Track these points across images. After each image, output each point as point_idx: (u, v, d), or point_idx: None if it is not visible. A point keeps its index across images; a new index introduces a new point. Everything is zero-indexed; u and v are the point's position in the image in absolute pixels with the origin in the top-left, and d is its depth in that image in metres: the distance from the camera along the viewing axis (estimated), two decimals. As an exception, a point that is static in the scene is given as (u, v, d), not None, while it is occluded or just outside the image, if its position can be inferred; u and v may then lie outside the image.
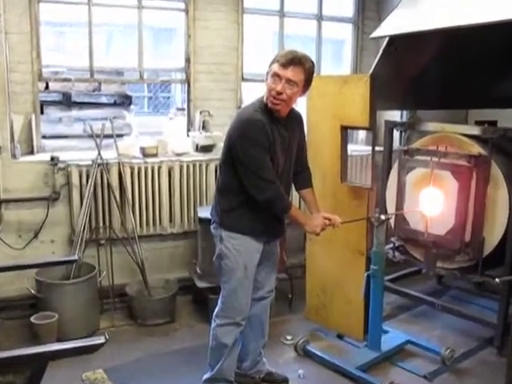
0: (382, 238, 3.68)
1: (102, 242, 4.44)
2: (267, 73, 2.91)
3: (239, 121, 2.91)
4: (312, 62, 2.92)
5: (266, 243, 3.14)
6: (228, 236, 3.03)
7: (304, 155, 3.27)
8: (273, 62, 2.88)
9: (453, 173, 3.96)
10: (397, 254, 4.46)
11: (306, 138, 3.37)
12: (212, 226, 3.15)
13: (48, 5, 4.56)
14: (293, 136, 3.07)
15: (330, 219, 3.08)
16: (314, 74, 2.97)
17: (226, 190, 3.02)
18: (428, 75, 4.33)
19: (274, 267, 3.34)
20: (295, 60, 2.82)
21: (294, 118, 3.11)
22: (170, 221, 4.77)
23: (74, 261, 3.55)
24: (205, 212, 3.94)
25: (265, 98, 2.93)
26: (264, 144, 2.82)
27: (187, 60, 5.00)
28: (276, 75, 2.83)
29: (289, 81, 2.82)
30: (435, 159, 4.08)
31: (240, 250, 3.02)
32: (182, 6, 4.95)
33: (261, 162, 2.82)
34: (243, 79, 5.19)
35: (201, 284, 4.34)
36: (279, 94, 2.83)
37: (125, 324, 4.33)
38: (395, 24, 3.83)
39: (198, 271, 4.45)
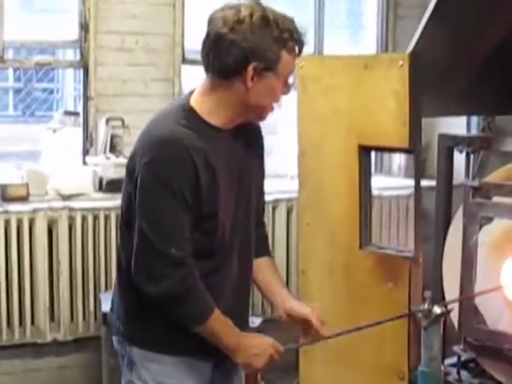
0: (437, 347, 3.61)
1: None
2: (254, 67, 2.81)
3: (145, 141, 2.80)
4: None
5: (217, 367, 3.02)
6: (144, 359, 2.91)
7: (261, 199, 3.18)
8: (279, 42, 2.79)
9: None
10: (465, 374, 4.41)
11: (298, 169, 3.33)
12: (114, 338, 3.04)
13: None
14: (250, 162, 2.99)
15: (305, 321, 2.98)
16: (312, 54, 2.94)
17: (127, 274, 2.90)
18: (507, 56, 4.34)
19: None
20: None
21: (250, 130, 3.03)
22: (52, 320, 4.70)
23: None
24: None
25: (197, 96, 2.85)
26: (180, 188, 2.69)
27: (83, 27, 4.97)
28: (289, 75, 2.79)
29: None
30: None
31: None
32: None
33: (166, 223, 2.70)
34: (184, 61, 5.20)
35: None
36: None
37: None
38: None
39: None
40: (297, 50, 2.65)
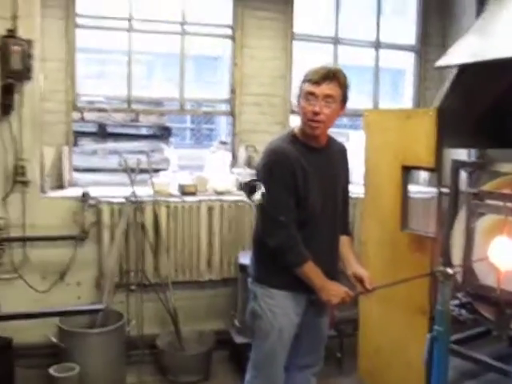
0: (448, 295, 3.39)
1: (133, 287, 4.31)
2: (298, 96, 2.76)
3: (263, 152, 2.81)
4: (346, 76, 2.76)
5: (311, 302, 2.88)
6: (263, 294, 2.81)
7: (346, 199, 3.03)
8: (303, 83, 2.73)
9: (532, 221, 3.67)
10: (463, 312, 4.15)
11: (364, 180, 3.18)
12: (248, 281, 2.96)
13: (85, 31, 4.55)
14: (336, 171, 2.87)
15: (362, 281, 2.82)
16: (373, 108, 2.80)
17: (257, 236, 2.83)
18: (502, 109, 4.08)
19: (323, 330, 3.07)
20: (329, 75, 2.67)
21: (338, 151, 2.92)
22: (208, 266, 4.63)
23: (100, 310, 3.41)
24: (246, 258, 3.76)
25: (297, 128, 2.81)
26: (284, 179, 2.63)
27: (232, 90, 4.92)
28: (310, 94, 2.67)
29: (326, 97, 2.66)
30: (510, 204, 3.80)
31: (275, 312, 2.78)
32: (229, 32, 4.89)
33: (277, 200, 2.63)
34: (292, 112, 5.05)
35: (239, 339, 4.16)
36: (316, 114, 2.66)
37: (154, 380, 4.17)
38: (467, 51, 3.63)
39: (237, 324, 4.27)
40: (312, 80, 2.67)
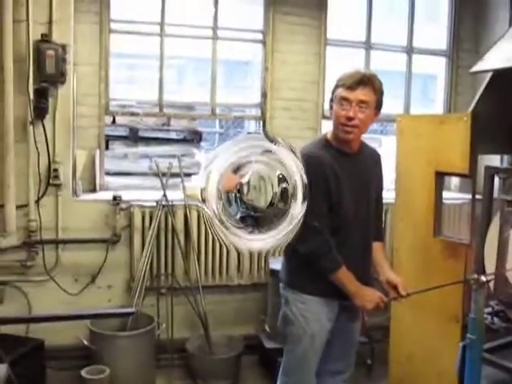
0: (482, 302, 3.34)
1: (163, 290, 4.34)
2: (331, 100, 2.76)
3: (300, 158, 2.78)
4: (381, 82, 2.74)
5: (343, 308, 2.86)
6: (294, 299, 2.80)
7: (379, 204, 3.00)
8: (337, 87, 2.72)
9: None
10: (496, 320, 4.08)
11: (395, 185, 3.15)
12: (280, 286, 2.94)
13: (119, 35, 4.59)
14: (369, 177, 2.84)
15: (395, 287, 2.80)
16: (404, 113, 2.79)
17: (290, 242, 2.82)
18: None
19: (355, 336, 3.05)
20: (364, 79, 2.65)
21: (370, 156, 2.90)
22: (238, 271, 4.63)
23: (131, 313, 3.42)
24: (277, 263, 3.75)
25: (330, 133, 2.80)
26: (318, 183, 2.57)
27: (263, 95, 4.91)
28: (344, 99, 2.66)
29: (360, 102, 2.64)
30: (545, 212, 3.74)
31: (307, 317, 2.77)
32: (260, 36, 4.90)
33: (310, 206, 2.55)
34: (324, 117, 5.01)
35: (269, 344, 4.15)
36: (350, 119, 2.64)
37: (183, 383, 4.15)
38: (502, 56, 3.57)
39: (267, 329, 4.27)
40: (346, 84, 2.66)
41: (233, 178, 2.16)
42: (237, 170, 2.17)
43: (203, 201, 2.12)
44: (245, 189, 2.15)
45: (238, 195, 2.15)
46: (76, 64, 4.32)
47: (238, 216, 2.15)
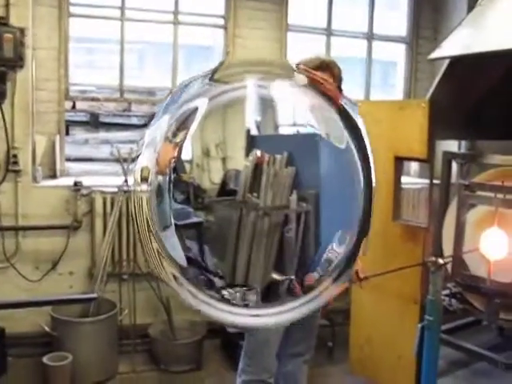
0: (439, 284, 3.42)
1: (125, 276, 4.32)
2: None
3: None
4: (340, 68, 2.76)
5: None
6: None
7: None
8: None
9: (521, 212, 3.71)
10: (453, 302, 4.19)
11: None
12: None
13: (78, 19, 4.53)
14: None
15: (355, 270, 2.85)
16: (364, 99, 2.81)
17: None
18: (492, 101, 4.11)
19: (315, 320, 3.10)
20: (323, 65, 2.67)
21: None
22: (201, 255, 4.59)
23: (93, 299, 3.41)
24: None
25: None
26: None
27: (224, 79, 4.87)
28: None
29: None
30: (500, 196, 3.83)
31: None
32: (221, 22, 4.88)
33: None
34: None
35: (231, 328, 4.14)
36: None
37: (146, 369, 4.17)
38: (459, 44, 3.64)
39: (229, 313, 4.26)
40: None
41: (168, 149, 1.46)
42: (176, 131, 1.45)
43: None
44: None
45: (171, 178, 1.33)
46: (35, 48, 4.24)
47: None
